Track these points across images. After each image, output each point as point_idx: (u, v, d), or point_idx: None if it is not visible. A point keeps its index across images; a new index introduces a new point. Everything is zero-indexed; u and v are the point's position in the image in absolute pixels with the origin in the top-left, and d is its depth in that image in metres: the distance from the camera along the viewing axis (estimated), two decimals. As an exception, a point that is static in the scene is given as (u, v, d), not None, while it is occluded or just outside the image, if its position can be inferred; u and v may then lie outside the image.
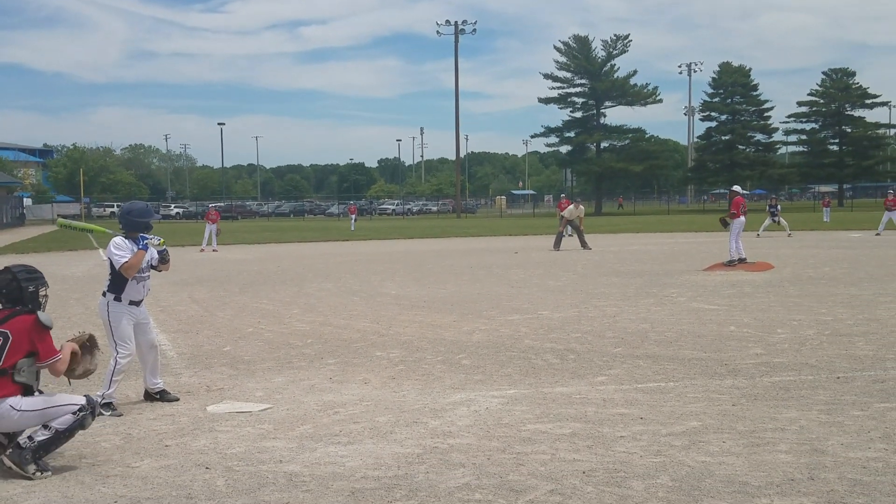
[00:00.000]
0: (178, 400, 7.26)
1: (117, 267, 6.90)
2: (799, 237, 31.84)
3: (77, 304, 14.22)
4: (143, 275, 7.09)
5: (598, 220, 57.21)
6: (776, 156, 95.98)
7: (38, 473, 5.21)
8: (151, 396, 7.26)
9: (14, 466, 5.18)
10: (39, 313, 5.49)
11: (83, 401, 5.43)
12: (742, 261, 18.26)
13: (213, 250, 29.63)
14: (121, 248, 6.93)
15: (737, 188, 20.12)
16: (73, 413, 5.32)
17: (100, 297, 7.13)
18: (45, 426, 5.29)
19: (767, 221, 32.83)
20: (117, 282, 6.98)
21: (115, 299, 6.97)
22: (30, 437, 5.26)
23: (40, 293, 5.64)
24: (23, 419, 5.31)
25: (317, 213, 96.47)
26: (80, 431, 5.45)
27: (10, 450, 5.25)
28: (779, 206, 34.49)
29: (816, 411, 6.42)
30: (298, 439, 5.94)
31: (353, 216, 50.16)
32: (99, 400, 6.65)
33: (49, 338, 5.47)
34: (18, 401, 5.29)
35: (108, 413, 6.74)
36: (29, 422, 5.34)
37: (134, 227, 7.07)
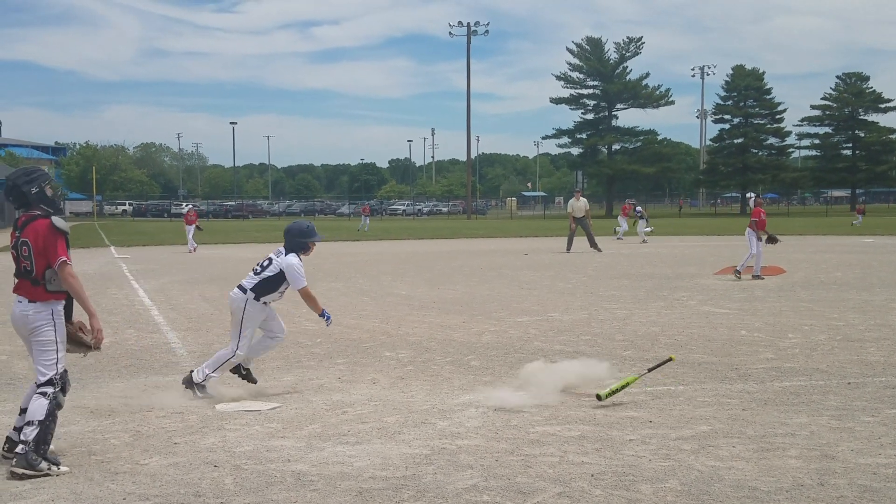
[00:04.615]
0: (255, 383, 7.46)
1: (297, 286, 7.24)
2: (811, 242, 31.70)
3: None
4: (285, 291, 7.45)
5: (610, 222, 57.01)
6: (789, 160, 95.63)
7: (54, 468, 5.17)
8: (239, 370, 7.41)
9: (28, 472, 5.10)
10: (54, 218, 5.36)
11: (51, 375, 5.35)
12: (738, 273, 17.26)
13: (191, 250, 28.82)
14: (301, 269, 7.29)
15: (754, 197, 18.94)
16: (44, 396, 5.25)
17: (236, 290, 7.34)
18: (29, 422, 5.21)
19: (642, 224, 33.20)
20: (267, 287, 7.27)
21: (255, 299, 7.24)
22: (23, 442, 5.18)
23: (46, 191, 5.45)
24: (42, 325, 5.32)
25: (327, 212, 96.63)
26: (59, 411, 5.38)
27: (14, 461, 5.17)
28: (638, 208, 35.02)
29: (827, 417, 6.39)
30: (307, 438, 5.95)
31: (366, 216, 50.18)
32: (200, 378, 7.02)
33: (62, 242, 5.31)
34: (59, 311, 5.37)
35: (201, 394, 7.04)
36: (42, 325, 5.32)
37: (296, 247, 7.34)
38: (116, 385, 7.80)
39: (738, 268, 16.99)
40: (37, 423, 5.18)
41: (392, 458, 5.44)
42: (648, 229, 33.84)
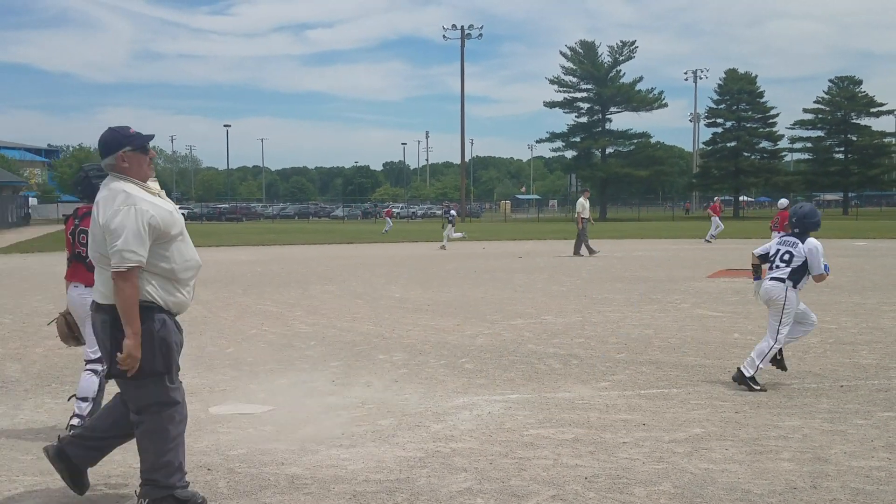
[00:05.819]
0: (786, 370, 7.81)
1: (816, 271, 7.48)
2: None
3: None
4: None
5: (604, 225, 57.11)
6: (781, 163, 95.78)
7: None
8: (774, 358, 7.65)
9: None
10: None
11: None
12: None
13: None
14: (823, 256, 7.52)
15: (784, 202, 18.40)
16: (95, 374, 5.85)
17: (772, 282, 7.54)
18: (83, 399, 5.82)
19: (449, 230, 31.90)
20: (799, 275, 7.49)
21: (794, 287, 7.50)
22: (79, 416, 5.81)
23: None
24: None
25: (321, 215, 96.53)
26: None
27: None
28: (452, 212, 33.87)
29: (819, 420, 6.41)
30: (300, 441, 5.94)
31: (389, 219, 50.62)
32: (752, 372, 7.42)
33: None
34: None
35: (757, 387, 7.38)
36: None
37: (810, 228, 7.58)
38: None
39: None
40: (91, 399, 5.84)
41: (386, 461, 5.44)
42: (458, 235, 32.62)
